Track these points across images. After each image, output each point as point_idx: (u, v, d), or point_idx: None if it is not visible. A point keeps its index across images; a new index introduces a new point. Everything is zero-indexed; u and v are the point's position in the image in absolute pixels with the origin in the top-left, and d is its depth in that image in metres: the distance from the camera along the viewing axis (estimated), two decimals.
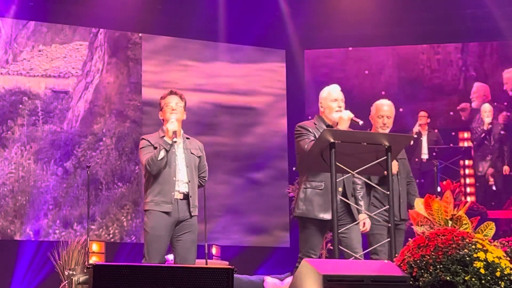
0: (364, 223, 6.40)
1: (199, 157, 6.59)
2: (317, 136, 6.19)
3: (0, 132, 11.09)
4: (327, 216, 6.15)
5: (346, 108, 6.43)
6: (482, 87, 12.72)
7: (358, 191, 6.42)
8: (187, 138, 6.61)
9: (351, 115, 6.31)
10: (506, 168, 12.60)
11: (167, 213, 6.37)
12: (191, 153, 6.53)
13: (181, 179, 6.42)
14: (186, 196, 6.42)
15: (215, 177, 11.39)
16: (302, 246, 6.31)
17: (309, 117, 12.56)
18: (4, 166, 10.97)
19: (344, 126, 6.28)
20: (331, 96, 6.44)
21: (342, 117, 6.29)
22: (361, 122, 6.29)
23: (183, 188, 6.41)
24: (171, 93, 6.58)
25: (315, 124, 6.40)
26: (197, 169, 6.56)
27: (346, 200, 6.21)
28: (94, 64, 11.83)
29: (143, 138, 6.63)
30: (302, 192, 6.28)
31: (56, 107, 11.50)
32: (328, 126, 6.35)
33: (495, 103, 12.61)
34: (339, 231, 6.04)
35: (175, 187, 6.38)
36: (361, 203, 6.42)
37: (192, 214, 6.44)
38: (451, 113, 12.74)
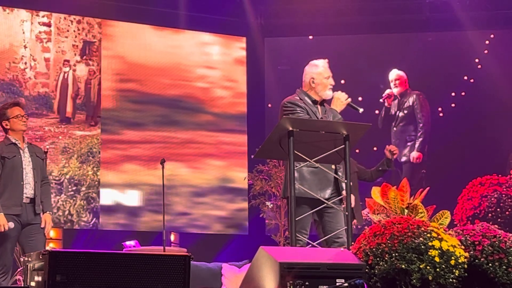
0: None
1: (42, 159, 7.00)
2: (307, 111, 6.16)
3: None
4: (323, 194, 6.06)
5: None
6: None
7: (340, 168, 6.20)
8: (30, 144, 6.98)
9: (349, 99, 6.20)
10: None
11: (17, 215, 6.71)
12: (37, 156, 6.92)
13: (29, 182, 6.79)
14: (33, 200, 6.79)
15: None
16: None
17: (269, 105, 12.61)
18: None
19: (339, 107, 6.17)
20: (326, 73, 6.26)
21: (340, 99, 6.17)
22: (361, 110, 6.13)
23: (30, 191, 6.79)
24: (18, 104, 6.93)
25: (301, 100, 6.21)
26: (42, 171, 6.94)
27: (339, 178, 6.05)
28: None
29: None
30: (296, 172, 5.90)
31: None
32: (313, 101, 6.23)
33: None
34: (327, 212, 6.09)
35: (23, 191, 6.75)
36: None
37: (37, 212, 6.81)
38: None
